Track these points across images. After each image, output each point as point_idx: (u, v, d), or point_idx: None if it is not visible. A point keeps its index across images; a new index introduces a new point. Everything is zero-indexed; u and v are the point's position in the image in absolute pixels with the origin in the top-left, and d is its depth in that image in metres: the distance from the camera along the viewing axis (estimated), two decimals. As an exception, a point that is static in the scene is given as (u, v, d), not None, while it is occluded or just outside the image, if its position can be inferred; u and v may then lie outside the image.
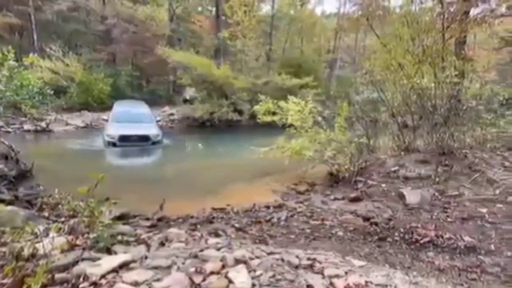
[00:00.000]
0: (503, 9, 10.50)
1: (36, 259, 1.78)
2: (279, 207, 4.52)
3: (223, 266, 1.81)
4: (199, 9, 27.06)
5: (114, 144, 9.28)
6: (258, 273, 1.75)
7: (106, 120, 10.42)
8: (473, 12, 11.03)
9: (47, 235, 2.21)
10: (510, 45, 10.82)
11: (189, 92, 18.81)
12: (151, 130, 10.14)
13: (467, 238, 3.20)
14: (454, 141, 5.40)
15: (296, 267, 1.92)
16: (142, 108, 11.76)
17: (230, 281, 1.63)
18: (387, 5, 14.71)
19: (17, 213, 2.90)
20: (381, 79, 7.15)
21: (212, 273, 1.72)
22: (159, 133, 10.18)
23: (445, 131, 5.36)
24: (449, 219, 3.76)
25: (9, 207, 3.08)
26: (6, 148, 5.76)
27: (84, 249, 1.96)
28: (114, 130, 9.57)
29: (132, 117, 10.56)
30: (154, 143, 9.88)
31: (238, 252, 2.03)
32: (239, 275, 1.68)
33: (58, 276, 1.63)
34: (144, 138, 9.72)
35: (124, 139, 9.33)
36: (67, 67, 16.60)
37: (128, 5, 20.80)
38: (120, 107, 11.21)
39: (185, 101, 18.76)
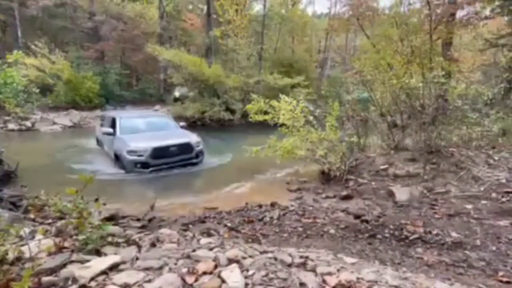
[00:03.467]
0: (487, 12, 10.83)
1: (21, 262, 1.72)
2: (271, 206, 4.53)
3: (216, 266, 1.80)
4: (190, 7, 26.80)
5: (145, 165, 6.18)
6: (251, 272, 1.75)
7: (111, 134, 7.02)
8: (459, 14, 11.36)
9: (33, 237, 2.15)
10: (494, 47, 11.18)
11: (181, 91, 18.62)
12: (189, 136, 7.13)
13: (454, 234, 3.29)
14: (442, 139, 5.54)
15: (289, 265, 1.93)
16: (152, 113, 9.44)
17: (223, 281, 1.62)
18: (377, 6, 14.99)
19: (1, 215, 2.80)
20: (371, 79, 7.26)
21: (204, 273, 1.71)
22: (200, 139, 7.20)
23: (433, 130, 5.50)
24: (436, 216, 3.86)
25: (-7, 209, 2.97)
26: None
27: (72, 251, 1.91)
28: (139, 141, 6.38)
29: (149, 124, 7.70)
30: (197, 155, 6.95)
31: (231, 251, 2.02)
32: (232, 274, 1.67)
33: (45, 279, 1.59)
34: (186, 149, 6.71)
35: (159, 154, 6.28)
36: (54, 65, 16.13)
37: (117, 1, 20.38)
38: (124, 114, 8.50)
39: (176, 100, 18.57)
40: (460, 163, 5.24)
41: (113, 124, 7.36)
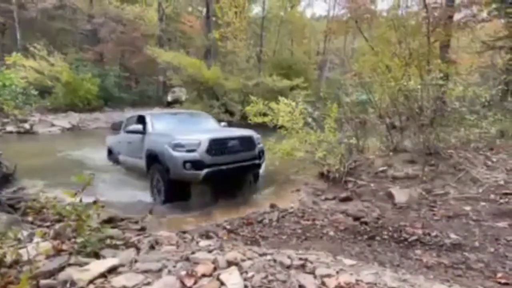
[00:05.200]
0: (484, 14, 10.92)
1: (19, 265, 1.71)
2: (270, 208, 4.53)
3: (215, 269, 1.79)
4: (189, 9, 26.87)
5: (198, 165, 4.45)
6: (250, 274, 1.74)
7: (141, 132, 5.51)
8: (457, 17, 11.46)
9: (31, 240, 2.14)
10: (492, 49, 11.26)
11: (174, 94, 18.58)
12: (248, 130, 5.54)
13: (452, 236, 3.29)
14: (440, 141, 5.56)
15: (288, 267, 1.92)
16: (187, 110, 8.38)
17: (222, 283, 1.61)
18: (375, 9, 15.09)
19: (-1, 218, 2.79)
20: (370, 81, 7.29)
21: (204, 275, 1.70)
22: (259, 135, 5.60)
23: (431, 132, 5.52)
24: (435, 217, 3.87)
25: (-10, 212, 2.96)
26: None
27: (71, 254, 1.90)
28: (186, 134, 4.85)
29: (188, 120, 6.48)
30: (260, 154, 5.35)
31: (230, 254, 2.02)
32: (231, 277, 1.67)
33: (43, 282, 1.58)
34: (248, 144, 5.14)
35: (217, 148, 4.63)
36: (52, 67, 16.13)
37: (116, 4, 20.43)
38: (152, 111, 6.99)
39: (169, 103, 18.48)
40: (458, 164, 5.26)
41: (141, 122, 5.78)
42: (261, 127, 6.81)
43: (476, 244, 3.12)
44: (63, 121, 13.88)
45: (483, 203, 4.18)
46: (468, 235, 3.34)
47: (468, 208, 4.07)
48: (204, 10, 21.76)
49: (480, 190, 4.54)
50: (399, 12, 13.61)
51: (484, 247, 3.06)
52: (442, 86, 5.85)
